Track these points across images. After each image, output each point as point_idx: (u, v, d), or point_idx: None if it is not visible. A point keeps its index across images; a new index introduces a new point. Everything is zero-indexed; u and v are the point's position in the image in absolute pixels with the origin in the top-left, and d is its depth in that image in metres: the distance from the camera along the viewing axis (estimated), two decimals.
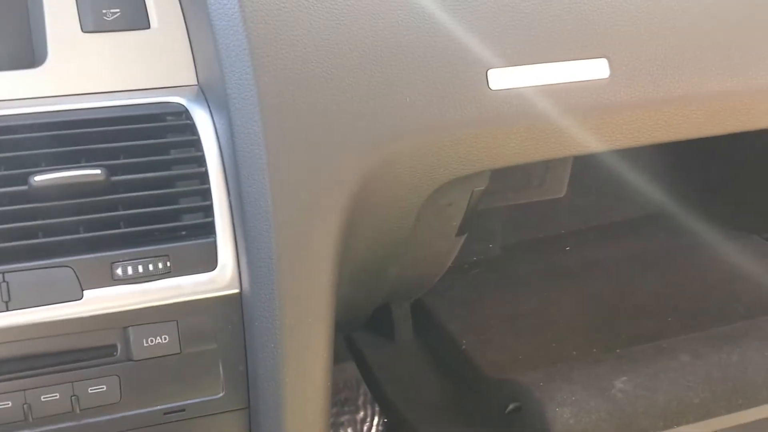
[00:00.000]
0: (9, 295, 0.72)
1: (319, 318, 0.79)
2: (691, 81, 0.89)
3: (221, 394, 0.80)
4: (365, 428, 1.58)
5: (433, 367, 1.21)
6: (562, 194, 1.27)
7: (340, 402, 1.59)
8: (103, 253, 0.75)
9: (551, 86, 0.85)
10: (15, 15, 0.84)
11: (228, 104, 0.75)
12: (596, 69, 0.87)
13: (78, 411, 0.75)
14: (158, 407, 0.78)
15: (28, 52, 0.83)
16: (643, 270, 1.39)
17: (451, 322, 1.22)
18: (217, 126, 0.79)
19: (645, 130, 0.91)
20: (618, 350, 1.11)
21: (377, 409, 1.45)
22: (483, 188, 0.96)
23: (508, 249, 1.48)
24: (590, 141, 0.89)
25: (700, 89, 0.90)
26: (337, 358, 1.36)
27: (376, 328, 1.28)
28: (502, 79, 0.83)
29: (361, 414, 1.59)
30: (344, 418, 1.59)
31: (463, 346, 1.17)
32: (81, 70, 0.82)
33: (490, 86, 0.83)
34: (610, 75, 0.87)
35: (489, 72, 0.83)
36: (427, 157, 0.83)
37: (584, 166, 1.40)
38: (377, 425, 1.57)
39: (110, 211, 0.76)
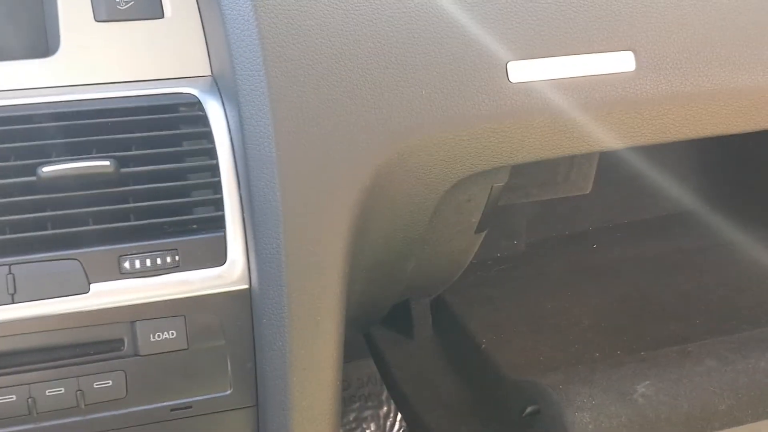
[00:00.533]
0: (15, 287, 0.71)
1: (328, 316, 0.77)
2: (720, 75, 0.86)
3: (229, 392, 0.79)
4: (389, 423, 1.57)
5: (452, 366, 1.19)
6: (587, 191, 1.24)
7: (363, 397, 1.58)
8: (111, 246, 0.74)
9: (574, 79, 0.83)
10: (29, 4, 0.83)
11: (238, 95, 0.74)
12: (622, 62, 0.84)
13: (83, 406, 0.75)
14: (165, 403, 0.77)
15: (42, 42, 0.82)
16: (672, 270, 1.35)
17: (472, 320, 1.20)
18: (229, 118, 0.78)
19: (672, 126, 0.87)
20: (642, 353, 1.07)
21: None
22: (503, 184, 0.93)
23: (533, 246, 1.45)
24: (614, 137, 0.86)
25: (730, 84, 0.86)
26: (361, 354, 1.35)
27: (395, 324, 1.26)
28: (522, 71, 0.81)
29: (385, 409, 1.57)
30: (368, 413, 1.58)
31: (483, 346, 1.14)
32: (93, 60, 0.81)
33: (510, 79, 0.80)
34: (636, 68, 0.84)
35: (509, 64, 0.80)
36: (444, 151, 0.81)
37: (613, 161, 1.36)
38: (401, 420, 1.55)
39: (120, 204, 0.75)
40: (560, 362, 1.08)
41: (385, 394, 1.57)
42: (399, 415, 1.55)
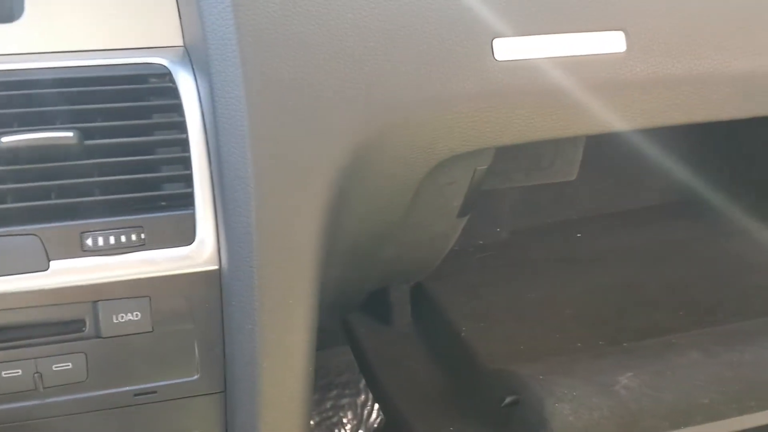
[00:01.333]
0: None
1: (300, 300, 0.74)
2: (712, 59, 0.83)
3: (196, 377, 0.76)
4: (366, 412, 1.54)
5: (431, 355, 1.16)
6: (572, 177, 1.21)
7: (341, 384, 1.55)
8: (73, 222, 0.70)
9: (562, 59, 0.80)
10: None
11: (209, 66, 0.70)
12: (612, 42, 0.81)
13: (41, 389, 0.71)
14: (128, 388, 0.74)
15: (4, 6, 0.78)
16: (658, 260, 1.33)
17: (451, 309, 1.17)
18: (200, 90, 0.74)
19: (661, 110, 0.85)
20: (624, 344, 1.05)
21: None
22: (486, 167, 0.91)
23: (516, 233, 1.43)
24: (602, 120, 0.83)
25: (723, 68, 0.84)
26: (339, 341, 1.32)
27: (373, 311, 1.23)
28: (508, 49, 0.78)
29: (362, 397, 1.55)
30: (345, 401, 1.55)
31: (462, 334, 1.11)
32: (60, 26, 0.78)
33: (496, 57, 0.77)
34: (627, 49, 0.81)
35: (494, 41, 0.77)
36: (425, 131, 0.77)
37: (602, 147, 1.34)
38: (378, 409, 1.53)
39: (84, 177, 0.71)
40: (541, 352, 1.05)
41: (363, 383, 1.54)
42: (377, 404, 1.53)
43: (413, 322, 1.22)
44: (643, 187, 1.50)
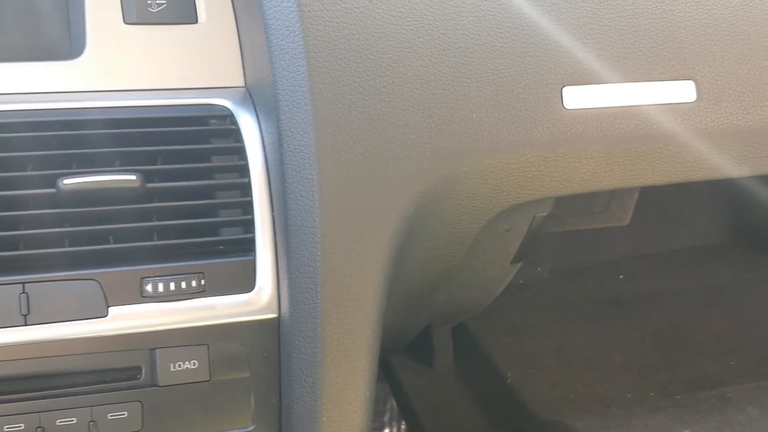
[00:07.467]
0: (29, 308, 0.66)
1: (362, 351, 0.72)
2: None
3: (251, 428, 0.73)
4: None
5: (475, 400, 1.13)
6: (626, 222, 1.19)
7: None
8: (133, 267, 0.68)
9: (631, 108, 0.78)
10: (53, 1, 0.78)
11: (278, 110, 0.68)
12: (682, 92, 0.79)
13: None
14: None
15: (65, 43, 0.77)
16: (703, 305, 1.30)
17: (496, 352, 1.15)
18: (264, 133, 0.72)
19: (730, 161, 0.83)
20: (678, 396, 1.02)
21: (403, 427, 1.38)
22: (545, 214, 0.88)
23: (557, 273, 1.40)
24: (669, 171, 0.81)
25: None
26: None
27: (413, 350, 1.20)
28: (578, 97, 0.76)
29: (386, 431, 1.52)
30: None
31: (509, 380, 1.09)
32: (120, 65, 0.76)
33: (565, 105, 0.75)
34: (697, 99, 0.79)
35: (564, 89, 0.75)
36: (492, 180, 0.76)
37: (643, 188, 1.31)
38: None
39: (143, 221, 0.70)
40: (592, 402, 1.02)
41: (387, 416, 1.51)
42: None
43: (455, 363, 1.19)
44: (686, 227, 1.47)
